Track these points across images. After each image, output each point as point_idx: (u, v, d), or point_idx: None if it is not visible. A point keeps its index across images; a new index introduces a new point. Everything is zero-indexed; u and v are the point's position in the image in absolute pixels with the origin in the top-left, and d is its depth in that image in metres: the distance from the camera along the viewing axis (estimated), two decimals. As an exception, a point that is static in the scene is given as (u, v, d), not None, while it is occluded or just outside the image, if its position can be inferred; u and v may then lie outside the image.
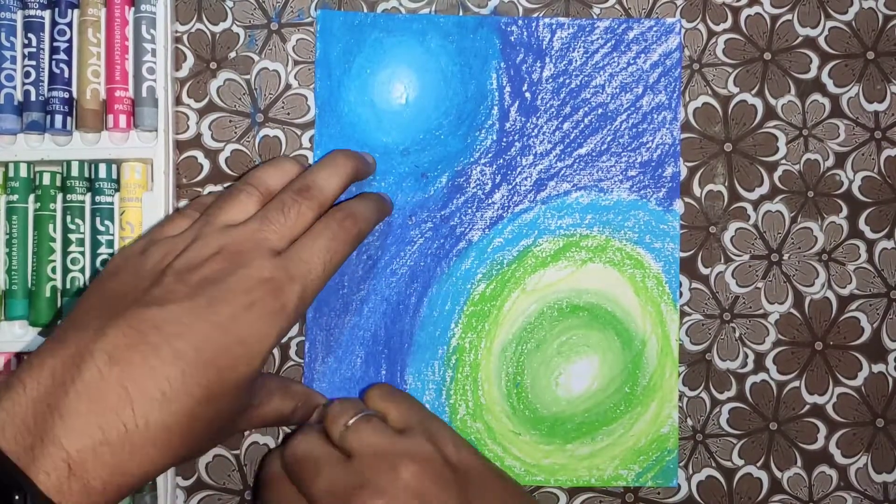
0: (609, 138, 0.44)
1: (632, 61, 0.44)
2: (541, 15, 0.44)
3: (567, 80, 0.44)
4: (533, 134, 0.44)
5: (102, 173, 0.41)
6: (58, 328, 0.35)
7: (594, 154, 0.44)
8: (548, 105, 0.44)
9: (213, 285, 0.34)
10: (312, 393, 0.42)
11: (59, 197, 0.41)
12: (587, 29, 0.44)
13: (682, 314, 0.44)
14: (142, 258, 0.36)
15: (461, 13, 0.44)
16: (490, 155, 0.44)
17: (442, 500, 0.36)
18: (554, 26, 0.44)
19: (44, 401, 0.30)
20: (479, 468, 0.39)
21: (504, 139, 0.44)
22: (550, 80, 0.44)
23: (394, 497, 0.35)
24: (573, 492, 0.44)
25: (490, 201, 0.44)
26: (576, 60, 0.44)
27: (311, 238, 0.37)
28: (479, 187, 0.44)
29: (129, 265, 0.36)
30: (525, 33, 0.44)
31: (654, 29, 0.44)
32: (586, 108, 0.44)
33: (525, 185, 0.44)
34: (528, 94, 0.44)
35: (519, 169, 0.44)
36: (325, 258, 0.37)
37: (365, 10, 0.44)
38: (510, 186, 0.44)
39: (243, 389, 0.34)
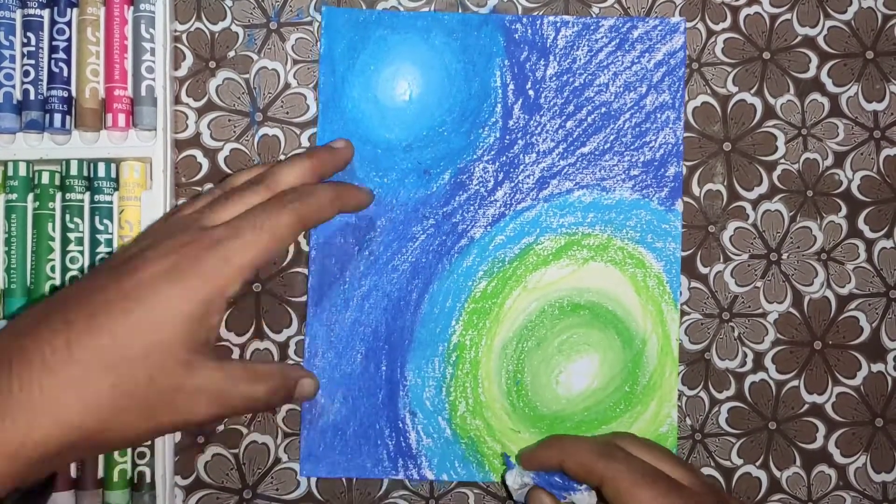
0: (612, 137, 0.44)
1: (636, 60, 0.44)
2: (541, 14, 0.44)
3: (571, 79, 0.44)
4: (536, 132, 0.44)
5: (101, 172, 0.41)
6: None
7: (597, 153, 0.44)
8: (551, 103, 0.44)
9: (133, 258, 0.35)
10: (286, 368, 0.40)
11: (58, 196, 0.41)
12: (591, 27, 0.44)
13: (681, 313, 0.44)
14: None
15: (460, 12, 0.44)
16: (493, 152, 0.44)
17: None
18: (558, 24, 0.44)
19: None
20: None
21: (507, 137, 0.44)
22: (554, 78, 0.44)
23: None
24: (574, 490, 0.44)
25: (492, 199, 0.44)
26: (580, 59, 0.44)
27: (246, 212, 0.37)
28: (481, 184, 0.44)
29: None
30: (529, 31, 0.44)
31: (659, 28, 0.44)
32: (590, 107, 0.44)
33: (527, 183, 0.44)
34: (531, 92, 0.44)
35: (521, 167, 0.44)
36: (253, 223, 0.36)
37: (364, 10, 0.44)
38: (513, 184, 0.44)
39: (174, 359, 0.34)
